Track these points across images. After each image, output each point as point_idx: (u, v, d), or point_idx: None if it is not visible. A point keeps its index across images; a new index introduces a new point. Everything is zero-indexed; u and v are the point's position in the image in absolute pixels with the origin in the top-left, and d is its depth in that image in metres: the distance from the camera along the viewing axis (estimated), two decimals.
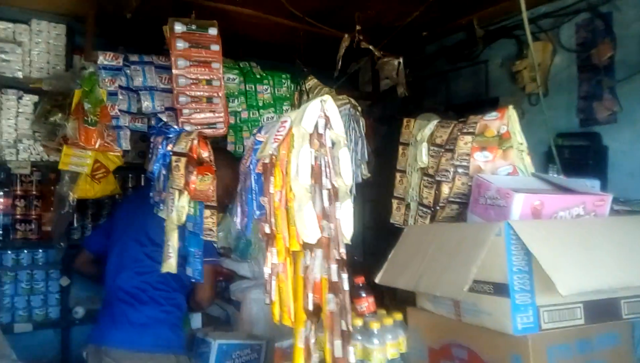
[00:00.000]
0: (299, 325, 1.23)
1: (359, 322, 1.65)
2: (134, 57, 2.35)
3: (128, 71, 2.32)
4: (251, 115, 2.77)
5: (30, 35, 2.91)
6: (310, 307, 1.20)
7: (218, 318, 2.88)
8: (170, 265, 1.71)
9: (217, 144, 2.39)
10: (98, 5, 2.45)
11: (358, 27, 2.39)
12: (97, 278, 2.35)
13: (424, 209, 1.75)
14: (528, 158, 1.59)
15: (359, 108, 2.39)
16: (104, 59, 2.27)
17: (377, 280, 1.61)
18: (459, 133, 1.65)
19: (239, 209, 1.47)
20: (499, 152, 1.55)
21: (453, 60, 3.41)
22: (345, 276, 1.18)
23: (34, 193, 2.97)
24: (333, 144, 1.19)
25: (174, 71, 2.01)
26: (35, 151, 2.90)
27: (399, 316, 1.68)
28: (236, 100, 2.68)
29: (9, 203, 2.90)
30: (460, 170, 1.61)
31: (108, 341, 2.05)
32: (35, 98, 2.90)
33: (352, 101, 2.32)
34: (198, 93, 2.07)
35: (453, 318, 1.40)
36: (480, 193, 1.45)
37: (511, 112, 1.59)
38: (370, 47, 2.53)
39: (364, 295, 1.74)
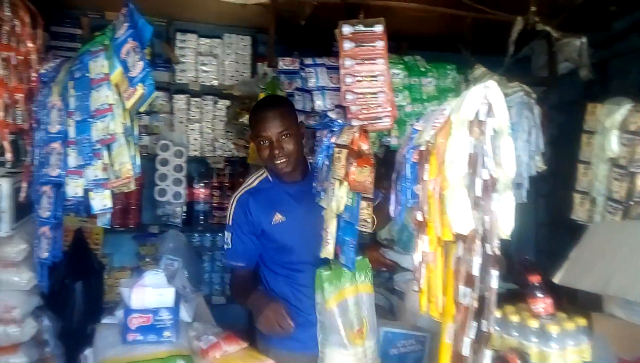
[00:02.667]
0: (447, 319, 1.19)
1: (534, 323, 1.57)
2: (308, 60, 2.56)
3: (303, 74, 2.55)
4: (415, 108, 2.78)
5: (223, 48, 3.38)
6: (462, 300, 1.15)
7: (382, 307, 2.97)
8: (329, 251, 1.75)
9: None
10: (278, 15, 2.72)
11: (533, 8, 2.22)
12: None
13: (614, 205, 1.58)
14: None
15: (533, 95, 2.23)
16: (283, 64, 2.53)
17: (556, 280, 1.51)
18: None
19: (393, 198, 1.48)
20: None
21: None
22: (495, 272, 1.11)
23: (227, 184, 3.45)
24: (495, 132, 1.13)
25: (342, 71, 2.14)
26: (227, 148, 3.38)
27: (582, 321, 1.54)
28: (400, 94, 2.73)
29: (208, 192, 3.41)
30: None
31: None
32: (227, 102, 3.36)
33: (525, 87, 2.18)
34: (364, 90, 2.18)
35: None
36: None
37: None
38: (548, 28, 2.33)
39: (540, 295, 1.64)
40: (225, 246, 1.93)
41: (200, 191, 3.40)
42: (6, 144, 1.74)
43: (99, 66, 1.62)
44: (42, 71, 1.88)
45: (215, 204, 3.44)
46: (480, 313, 1.11)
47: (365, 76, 2.23)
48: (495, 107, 1.12)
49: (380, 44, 2.17)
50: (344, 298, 1.85)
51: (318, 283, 1.83)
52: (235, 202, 1.93)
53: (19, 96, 1.81)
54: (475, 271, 1.11)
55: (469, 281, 1.12)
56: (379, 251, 2.82)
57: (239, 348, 1.79)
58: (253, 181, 1.97)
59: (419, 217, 1.26)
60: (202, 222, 3.41)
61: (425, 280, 1.24)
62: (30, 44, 1.86)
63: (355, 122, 2.05)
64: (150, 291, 1.77)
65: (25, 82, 1.84)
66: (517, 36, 2.47)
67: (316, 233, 1.88)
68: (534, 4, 2.28)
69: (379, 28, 2.18)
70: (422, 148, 1.25)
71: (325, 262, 1.82)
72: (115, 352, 1.71)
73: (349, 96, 2.30)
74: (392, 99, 2.23)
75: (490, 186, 1.12)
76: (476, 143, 1.13)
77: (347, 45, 2.26)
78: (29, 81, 1.87)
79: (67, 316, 2.62)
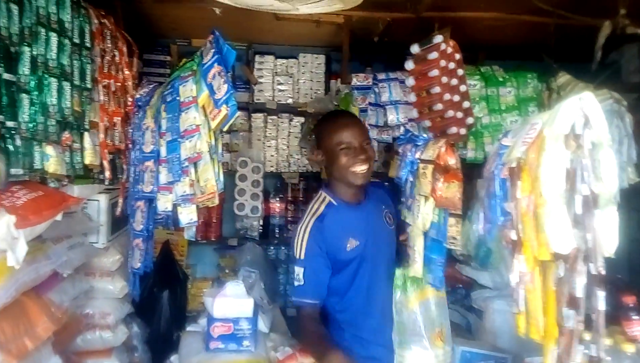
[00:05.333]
0: (550, 342, 1.15)
1: (629, 348, 1.45)
2: (381, 75, 2.58)
3: (376, 89, 2.57)
4: (493, 120, 2.70)
5: (298, 67, 3.49)
6: (564, 323, 1.12)
7: (458, 325, 2.87)
8: (417, 269, 1.74)
9: None
10: (351, 33, 2.78)
11: (623, 11, 2.08)
12: None
13: None
14: None
15: (624, 102, 2.08)
16: (357, 80, 2.57)
17: None
18: None
19: (481, 215, 1.44)
20: None
21: None
22: (601, 294, 1.06)
23: (301, 199, 3.53)
24: (593, 145, 1.08)
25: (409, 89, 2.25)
26: (302, 163, 3.46)
27: None
28: (477, 106, 2.66)
29: (283, 207, 3.51)
30: None
31: None
32: (302, 119, 3.46)
33: (615, 95, 2.04)
34: (429, 104, 2.21)
35: None
36: None
37: None
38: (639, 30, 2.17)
39: (635, 317, 1.51)
40: (296, 283, 1.73)
41: (276, 205, 3.50)
42: (105, 163, 1.89)
43: (188, 90, 1.75)
44: (137, 96, 2.05)
45: (290, 219, 3.53)
46: (591, 336, 1.07)
47: (427, 89, 2.24)
48: (593, 119, 1.07)
49: (434, 55, 2.16)
50: (426, 298, 1.79)
51: (398, 282, 1.77)
52: (306, 233, 1.74)
53: (117, 119, 1.98)
54: (579, 293, 1.06)
55: (573, 302, 1.07)
56: (454, 267, 2.74)
57: (313, 360, 1.81)
58: (317, 207, 1.80)
59: (513, 236, 1.22)
60: (277, 235, 3.51)
61: (524, 301, 1.20)
62: (127, 72, 2.04)
63: (426, 134, 2.05)
64: (232, 302, 1.85)
65: (122, 106, 2.02)
66: (605, 41, 2.32)
67: (388, 253, 1.87)
68: (623, 6, 2.14)
69: (437, 39, 2.17)
70: (513, 164, 1.22)
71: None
72: (199, 359, 1.80)
73: (414, 113, 2.33)
74: (467, 107, 2.20)
75: (591, 202, 1.07)
76: (573, 157, 1.08)
77: (409, 65, 2.28)
78: (125, 106, 2.04)
79: (154, 323, 2.79)
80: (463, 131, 2.26)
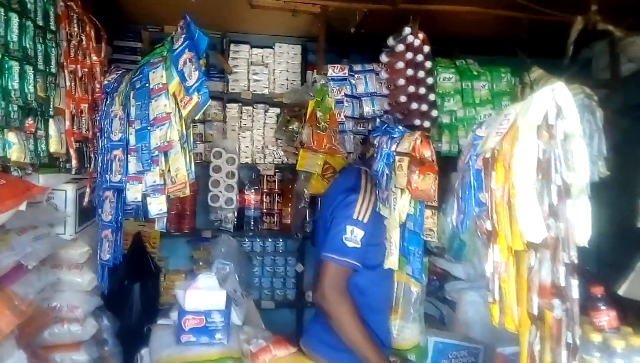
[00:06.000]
0: (524, 331, 1.17)
1: (596, 338, 1.48)
2: (358, 67, 2.57)
3: (352, 80, 2.56)
4: (467, 113, 2.72)
5: (274, 57, 3.44)
6: (535, 312, 1.13)
7: (432, 317, 2.90)
8: (392, 262, 1.75)
9: None
10: (327, 23, 2.75)
11: (594, 7, 2.12)
12: None
13: None
14: None
15: (595, 98, 2.12)
16: (333, 71, 2.55)
17: (620, 292, 1.42)
18: None
19: (455, 206, 1.44)
20: None
21: None
22: (575, 282, 1.07)
23: (277, 190, 3.50)
24: (565, 136, 1.09)
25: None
26: (277, 155, 3.43)
27: None
28: (452, 99, 2.68)
29: (258, 199, 3.48)
30: None
31: None
32: (277, 110, 3.42)
33: (587, 90, 2.08)
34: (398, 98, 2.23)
35: None
36: None
37: None
38: (610, 27, 2.21)
39: (603, 307, 1.55)
40: (350, 244, 1.71)
41: (251, 197, 3.46)
42: (72, 152, 1.83)
43: (158, 76, 1.70)
44: (106, 83, 1.99)
45: (265, 211, 3.50)
46: (567, 324, 1.08)
47: (394, 81, 2.25)
48: (565, 109, 1.08)
49: (400, 48, 2.16)
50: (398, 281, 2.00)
51: None
52: (372, 199, 1.78)
53: (84, 106, 1.92)
54: (563, 282, 1.07)
55: (557, 292, 1.08)
56: (428, 259, 2.77)
57: (287, 352, 1.81)
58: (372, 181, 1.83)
59: (488, 226, 1.23)
60: (252, 227, 3.47)
61: (498, 291, 1.21)
62: (94, 57, 1.97)
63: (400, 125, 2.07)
64: (203, 294, 1.82)
65: (89, 93, 1.95)
66: (577, 37, 2.36)
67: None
68: (594, 3, 2.18)
69: (406, 32, 2.18)
70: (487, 154, 1.22)
71: None
72: (170, 352, 1.76)
73: (386, 106, 2.34)
74: (424, 95, 2.22)
75: (563, 192, 1.08)
76: (546, 147, 1.09)
77: (384, 58, 2.28)
78: (93, 92, 1.98)
79: (125, 316, 2.74)
80: (427, 123, 2.27)
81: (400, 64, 2.19)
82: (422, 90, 2.22)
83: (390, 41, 2.24)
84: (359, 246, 1.71)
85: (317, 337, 1.88)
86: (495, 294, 1.23)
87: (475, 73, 2.69)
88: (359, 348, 1.71)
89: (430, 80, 2.26)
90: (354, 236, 1.71)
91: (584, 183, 1.09)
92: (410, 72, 2.19)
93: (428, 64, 2.25)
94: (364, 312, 1.76)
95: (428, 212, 1.64)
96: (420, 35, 2.21)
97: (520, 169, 1.11)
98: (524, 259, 1.19)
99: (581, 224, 1.08)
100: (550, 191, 1.09)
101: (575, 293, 1.07)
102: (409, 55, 2.19)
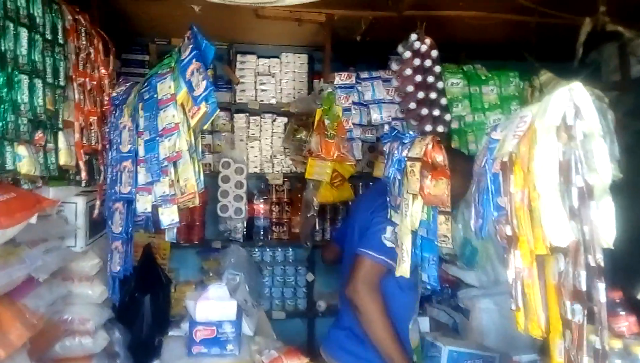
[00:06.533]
0: (555, 336, 1.13)
1: (617, 344, 1.44)
2: (364, 74, 2.57)
3: (359, 88, 2.56)
4: (476, 118, 2.71)
5: (280, 67, 3.45)
6: (569, 316, 1.09)
7: (445, 325, 2.86)
8: (404, 269, 1.72)
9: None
10: (333, 32, 2.76)
11: (603, 8, 2.10)
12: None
13: None
14: None
15: (606, 100, 2.10)
16: (340, 79, 2.55)
17: None
18: None
19: (472, 211, 1.41)
20: None
21: None
22: (602, 285, 1.04)
23: (285, 200, 3.49)
24: (585, 136, 1.06)
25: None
26: (285, 164, 3.42)
27: None
28: (460, 104, 2.67)
29: (267, 208, 3.47)
30: None
31: None
32: (285, 120, 3.42)
33: (597, 92, 2.06)
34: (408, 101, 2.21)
35: None
36: None
37: None
38: (620, 28, 2.19)
39: (622, 312, 1.51)
40: (389, 245, 1.76)
41: (260, 207, 3.45)
42: (81, 164, 1.84)
43: (166, 87, 1.71)
44: (114, 95, 2.00)
45: (274, 220, 3.48)
46: (595, 329, 1.05)
47: (404, 89, 2.24)
48: (583, 109, 1.05)
49: (407, 55, 2.15)
50: None
51: None
52: None
53: (93, 118, 1.93)
54: (583, 286, 1.05)
55: (578, 296, 1.06)
56: (440, 267, 2.74)
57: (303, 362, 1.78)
58: None
59: (508, 231, 1.20)
60: (262, 237, 3.46)
61: (522, 297, 1.18)
62: (103, 70, 1.98)
63: (411, 131, 2.05)
64: (214, 305, 1.81)
65: (98, 105, 1.97)
66: (586, 39, 2.34)
67: None
68: (603, 4, 2.16)
69: (412, 38, 2.17)
70: (505, 158, 1.20)
71: None
72: None
73: (399, 115, 2.32)
74: (436, 100, 2.20)
75: (586, 194, 1.05)
76: (565, 148, 1.07)
77: (394, 66, 2.28)
78: (102, 105, 1.99)
79: (136, 328, 2.72)
80: (440, 128, 2.26)
81: (408, 71, 2.19)
82: (433, 95, 2.22)
83: (400, 49, 2.24)
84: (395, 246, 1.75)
85: (337, 344, 1.91)
86: (519, 300, 1.20)
87: (483, 78, 2.68)
88: (385, 347, 1.73)
89: (440, 84, 2.25)
90: (393, 236, 1.75)
91: (606, 183, 1.05)
92: (418, 78, 2.19)
93: (437, 68, 2.25)
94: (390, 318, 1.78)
95: (441, 218, 1.62)
96: (427, 41, 2.20)
97: (542, 172, 1.08)
98: (548, 263, 1.15)
99: (606, 225, 1.05)
100: (571, 193, 1.06)
101: (602, 296, 1.03)
102: (417, 61, 2.18)
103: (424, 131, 2.18)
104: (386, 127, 2.52)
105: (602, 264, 1.03)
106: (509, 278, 1.21)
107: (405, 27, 2.28)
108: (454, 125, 2.66)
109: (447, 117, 2.29)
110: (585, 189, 1.05)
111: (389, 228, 1.77)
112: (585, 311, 1.05)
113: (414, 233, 1.72)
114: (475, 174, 1.36)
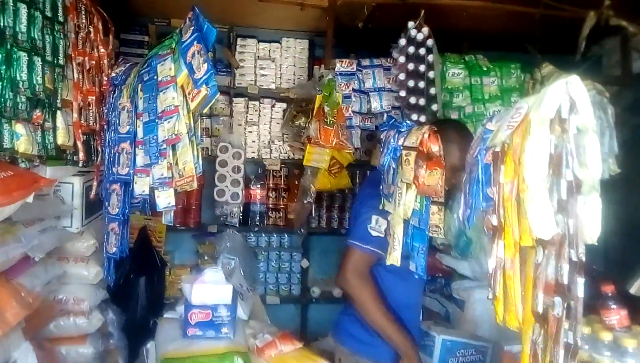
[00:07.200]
0: (527, 329, 1.14)
1: (607, 336, 1.46)
2: (366, 62, 2.56)
3: (360, 75, 2.54)
4: (476, 109, 2.70)
5: (281, 52, 3.42)
6: (540, 309, 1.10)
7: (437, 314, 2.88)
8: (395, 257, 1.73)
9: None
10: (335, 18, 2.73)
11: (607, 2, 2.09)
12: None
13: None
14: None
15: (607, 95, 2.09)
16: (341, 66, 2.53)
17: (632, 291, 1.40)
18: None
19: (462, 201, 1.41)
20: None
21: None
22: (580, 280, 1.04)
23: (282, 186, 3.49)
24: (578, 130, 1.06)
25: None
26: (283, 150, 3.41)
27: None
28: (461, 95, 2.66)
29: (264, 194, 3.47)
30: None
31: None
32: (284, 105, 3.40)
33: (598, 86, 2.05)
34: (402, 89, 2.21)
35: None
36: None
37: None
38: (623, 22, 2.18)
39: (613, 306, 1.53)
40: (374, 233, 1.79)
41: (257, 192, 3.45)
42: (79, 144, 1.83)
43: (166, 68, 1.69)
44: (113, 75, 1.98)
45: (270, 206, 3.49)
46: (569, 324, 1.05)
47: (397, 76, 2.22)
48: (579, 103, 1.04)
49: (402, 42, 2.13)
50: None
51: None
52: None
53: (92, 98, 1.91)
54: (566, 279, 1.05)
55: (559, 289, 1.06)
56: (434, 256, 2.75)
57: (293, 348, 1.80)
58: None
59: (494, 221, 1.20)
60: (257, 223, 3.47)
61: (501, 287, 1.18)
62: (102, 50, 1.96)
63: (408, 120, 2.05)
64: (210, 288, 1.81)
65: (97, 85, 1.95)
66: (589, 34, 2.33)
67: None
68: None
69: (410, 26, 2.15)
70: (497, 148, 1.19)
71: None
72: (176, 346, 1.76)
73: (396, 103, 2.31)
74: (424, 90, 2.18)
75: (574, 188, 1.05)
76: (558, 142, 1.06)
77: (395, 54, 2.25)
78: (100, 85, 1.97)
79: (130, 310, 2.74)
80: (423, 118, 2.24)
81: (402, 59, 2.17)
82: (422, 84, 2.20)
83: (402, 40, 2.22)
84: (382, 235, 1.78)
85: (344, 330, 1.96)
86: (497, 290, 1.20)
87: (484, 69, 2.67)
88: (383, 330, 1.79)
89: (431, 74, 2.23)
90: (378, 225, 1.79)
91: (595, 179, 1.05)
92: (411, 66, 2.17)
93: (431, 57, 2.23)
94: (392, 306, 1.83)
95: (434, 208, 1.62)
96: (425, 29, 2.18)
97: (532, 163, 1.07)
98: (530, 256, 1.15)
99: (591, 221, 1.05)
100: (560, 186, 1.06)
101: (580, 291, 1.03)
102: (411, 49, 2.17)
103: (410, 120, 2.18)
104: (385, 116, 2.51)
105: (584, 259, 1.03)
106: (489, 268, 1.21)
107: (409, 15, 2.26)
108: (454, 115, 2.66)
109: (434, 107, 2.28)
110: (574, 183, 1.04)
111: (374, 217, 1.80)
112: (566, 305, 1.05)
113: (406, 222, 1.72)
114: (467, 165, 1.35)
